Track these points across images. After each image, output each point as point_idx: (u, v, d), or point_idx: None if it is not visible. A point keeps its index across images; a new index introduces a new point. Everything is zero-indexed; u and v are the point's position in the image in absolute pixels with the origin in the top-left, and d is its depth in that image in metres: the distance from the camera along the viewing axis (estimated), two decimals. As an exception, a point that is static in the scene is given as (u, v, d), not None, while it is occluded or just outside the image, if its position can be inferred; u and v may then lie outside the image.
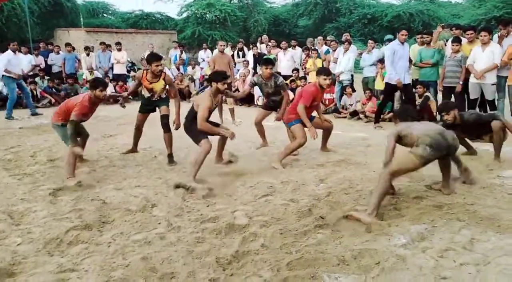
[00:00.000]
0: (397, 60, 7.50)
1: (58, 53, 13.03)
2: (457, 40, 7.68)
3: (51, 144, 6.83)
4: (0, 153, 6.33)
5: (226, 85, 5.03)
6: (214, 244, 3.23)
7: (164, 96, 5.96)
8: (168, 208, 4.00)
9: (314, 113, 5.90)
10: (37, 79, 12.02)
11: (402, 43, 7.56)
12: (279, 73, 10.76)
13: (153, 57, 5.77)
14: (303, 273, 2.76)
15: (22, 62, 10.27)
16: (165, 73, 5.95)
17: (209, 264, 2.90)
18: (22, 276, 2.84)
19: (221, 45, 9.68)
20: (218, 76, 5.00)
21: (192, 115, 4.98)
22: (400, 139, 4.00)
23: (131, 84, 12.97)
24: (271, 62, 6.16)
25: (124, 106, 6.16)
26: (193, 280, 2.72)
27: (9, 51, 9.93)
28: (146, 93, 5.94)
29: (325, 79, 5.57)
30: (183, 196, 4.35)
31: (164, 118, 5.74)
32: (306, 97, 5.53)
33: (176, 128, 5.58)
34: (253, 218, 3.70)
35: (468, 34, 7.65)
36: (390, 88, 7.76)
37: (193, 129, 4.92)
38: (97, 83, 5.19)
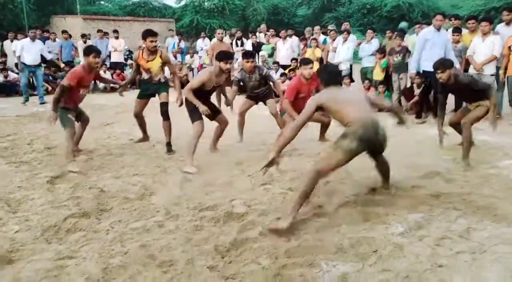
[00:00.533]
0: (430, 48, 7.07)
1: (54, 40, 12.92)
2: (457, 30, 7.65)
3: (48, 132, 6.79)
4: (-3, 141, 6.31)
5: (229, 65, 4.91)
6: (213, 232, 3.24)
7: (163, 80, 5.85)
8: (167, 196, 4.00)
9: None
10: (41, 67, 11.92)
11: (438, 29, 7.14)
12: (278, 62, 10.76)
13: (148, 33, 5.63)
14: (301, 261, 2.78)
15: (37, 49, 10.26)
16: (161, 51, 5.85)
17: (208, 252, 2.91)
18: (20, 263, 2.84)
19: (219, 33, 9.59)
20: (221, 55, 4.95)
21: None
22: (321, 109, 3.67)
23: (129, 72, 12.94)
24: (251, 55, 5.85)
25: (122, 95, 6.14)
26: (191, 268, 2.73)
27: (26, 39, 10.25)
28: (144, 75, 5.82)
29: (305, 68, 5.46)
30: (181, 184, 4.35)
31: (164, 106, 5.67)
32: (288, 92, 5.52)
33: (180, 105, 5.46)
34: (251, 207, 3.71)
35: (469, 24, 7.62)
36: (426, 76, 7.29)
37: (190, 107, 4.94)
38: (90, 50, 5.24)
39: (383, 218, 3.39)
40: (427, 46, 7.14)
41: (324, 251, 2.89)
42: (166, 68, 5.96)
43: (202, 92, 4.97)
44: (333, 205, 3.66)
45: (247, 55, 5.78)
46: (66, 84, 5.03)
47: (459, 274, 2.58)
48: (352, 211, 3.54)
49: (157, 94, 5.82)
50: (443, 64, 4.82)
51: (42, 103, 10.02)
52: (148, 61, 5.67)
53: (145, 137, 6.18)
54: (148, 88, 5.85)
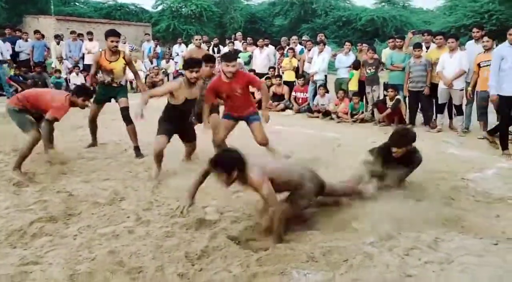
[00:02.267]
0: (508, 68, 5.75)
1: (26, 40, 12.59)
2: (418, 46, 7.90)
3: (16, 133, 6.58)
4: (-40, 141, 6.07)
5: (195, 74, 4.45)
6: (184, 238, 3.19)
7: (123, 83, 5.76)
8: (137, 202, 3.94)
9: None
10: (4, 66, 11.58)
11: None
12: (254, 70, 10.78)
13: (110, 32, 5.48)
14: (273, 269, 2.77)
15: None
16: (123, 52, 5.73)
17: (178, 259, 2.87)
18: (-19, 268, 2.74)
19: (197, 40, 9.48)
20: (186, 62, 4.60)
21: (165, 105, 4.71)
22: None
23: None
24: (210, 59, 5.31)
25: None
26: (161, 275, 2.69)
27: None
28: (106, 78, 5.62)
29: (226, 65, 4.70)
30: (153, 189, 4.29)
31: (124, 111, 5.55)
32: (206, 92, 4.89)
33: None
34: (224, 214, 3.69)
35: (437, 39, 7.85)
36: (504, 101, 5.84)
37: (160, 119, 4.69)
38: (82, 92, 4.90)
39: (354, 227, 3.41)
40: (504, 64, 5.82)
41: (296, 260, 2.89)
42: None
43: (174, 109, 4.62)
44: (306, 213, 3.67)
45: (206, 59, 5.24)
46: (52, 119, 4.70)
47: (428, 284, 2.63)
48: (324, 219, 3.57)
49: (115, 99, 5.69)
50: (404, 140, 4.02)
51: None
52: (110, 62, 5.52)
53: (94, 143, 6.03)
54: (107, 93, 5.70)
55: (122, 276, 2.67)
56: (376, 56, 8.72)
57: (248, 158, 3.15)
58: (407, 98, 8.37)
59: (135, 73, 5.92)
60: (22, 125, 4.79)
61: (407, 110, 8.31)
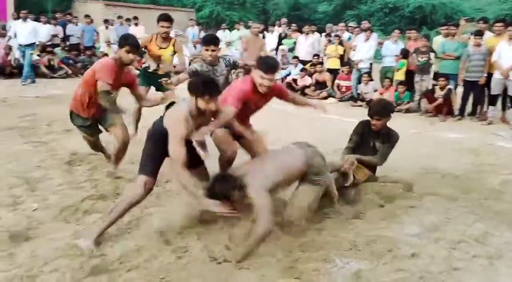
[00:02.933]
0: None
1: (76, 24, 12.99)
2: (479, 34, 7.53)
3: (67, 114, 6.85)
4: (16, 120, 6.38)
5: (213, 106, 2.93)
6: (228, 222, 3.23)
7: (170, 75, 5.20)
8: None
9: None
10: (56, 49, 12.04)
11: None
12: (298, 57, 10.69)
13: (162, 17, 5.14)
14: (315, 255, 2.77)
15: (31, 30, 10.25)
16: (175, 39, 5.35)
17: (222, 241, 2.91)
18: (38, 240, 2.89)
19: (255, 28, 8.79)
20: (198, 87, 2.90)
21: (159, 132, 2.96)
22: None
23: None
24: (211, 41, 4.14)
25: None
26: (205, 254, 2.75)
27: (19, 19, 10.34)
28: (152, 64, 5.24)
29: (262, 77, 3.25)
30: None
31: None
32: (235, 96, 3.30)
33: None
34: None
35: (497, 26, 7.49)
36: None
37: (146, 148, 3.08)
38: (123, 41, 3.80)
39: (399, 218, 3.36)
40: None
41: (339, 247, 2.88)
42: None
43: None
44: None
45: (206, 41, 4.21)
46: (102, 87, 3.67)
47: (475, 278, 2.56)
48: (368, 209, 3.53)
49: (156, 88, 5.26)
50: (385, 110, 3.91)
51: (24, 84, 10.08)
52: (160, 48, 5.19)
53: (134, 133, 5.24)
54: (149, 80, 5.29)
55: (168, 254, 2.76)
56: (428, 43, 8.42)
57: (246, 173, 2.95)
58: (457, 89, 8.07)
59: (182, 64, 5.35)
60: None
61: (457, 101, 8.01)
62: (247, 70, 4.79)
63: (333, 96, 9.83)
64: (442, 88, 7.79)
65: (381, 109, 3.91)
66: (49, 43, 12.23)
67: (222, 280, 2.51)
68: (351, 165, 3.71)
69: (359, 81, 9.45)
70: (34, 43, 10.33)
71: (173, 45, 5.24)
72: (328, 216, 3.38)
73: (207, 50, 4.09)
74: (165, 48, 5.20)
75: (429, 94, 8.05)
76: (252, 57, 7.72)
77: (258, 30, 8.74)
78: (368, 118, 3.93)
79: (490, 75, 7.36)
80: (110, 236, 2.95)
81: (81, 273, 2.52)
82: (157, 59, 5.22)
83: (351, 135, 4.06)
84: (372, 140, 3.97)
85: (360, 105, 9.05)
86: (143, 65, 5.41)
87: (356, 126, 4.06)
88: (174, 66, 5.64)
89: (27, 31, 10.08)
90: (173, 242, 2.89)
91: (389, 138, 3.94)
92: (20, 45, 10.18)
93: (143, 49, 5.16)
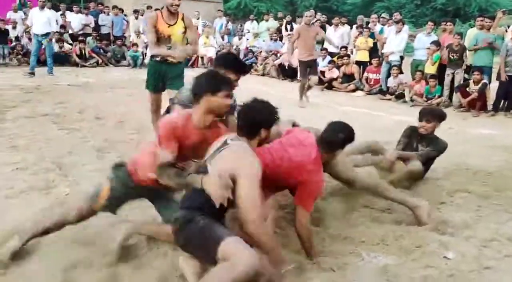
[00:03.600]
0: None
1: (108, 14, 13.19)
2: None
3: (98, 102, 7.02)
4: (49, 107, 6.56)
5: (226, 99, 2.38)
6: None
7: (183, 63, 4.44)
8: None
9: None
10: (88, 38, 12.28)
11: None
12: (326, 49, 10.57)
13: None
14: (342, 249, 2.75)
15: (45, 18, 9.72)
16: (182, 13, 4.37)
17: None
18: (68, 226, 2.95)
19: (307, 17, 7.68)
20: (270, 116, 2.36)
21: (208, 203, 2.10)
22: None
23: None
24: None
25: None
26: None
27: (35, 8, 9.93)
28: (160, 48, 4.26)
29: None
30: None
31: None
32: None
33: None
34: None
35: None
36: None
37: (202, 233, 2.07)
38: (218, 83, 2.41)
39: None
40: None
41: (367, 242, 2.85)
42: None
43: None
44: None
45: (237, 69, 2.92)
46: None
47: (507, 278, 2.50)
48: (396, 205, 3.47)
49: (164, 85, 4.40)
50: (434, 113, 3.97)
51: (50, 73, 9.92)
52: (169, 25, 4.24)
53: None
54: (159, 76, 4.37)
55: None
56: (462, 42, 8.20)
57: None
58: (491, 83, 7.84)
59: (195, 44, 4.55)
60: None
61: (491, 96, 7.79)
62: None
63: (361, 89, 9.70)
64: (476, 83, 7.56)
65: (432, 111, 4.01)
66: (81, 32, 12.48)
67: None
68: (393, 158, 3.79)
69: (388, 74, 9.29)
70: (49, 33, 9.84)
71: (183, 19, 4.30)
72: (356, 209, 3.36)
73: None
74: (173, 24, 4.25)
75: (462, 89, 7.84)
76: (306, 48, 7.55)
77: (310, 19, 7.66)
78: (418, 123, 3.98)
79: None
80: (142, 219, 2.99)
81: (108, 258, 2.54)
82: (167, 40, 4.27)
83: (400, 138, 4.13)
84: (417, 143, 3.99)
85: (389, 99, 8.91)
86: (148, 53, 4.71)
87: (405, 130, 4.13)
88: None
89: (43, 21, 9.58)
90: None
91: (435, 143, 3.95)
92: (36, 34, 9.72)
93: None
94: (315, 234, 2.90)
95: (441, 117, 3.97)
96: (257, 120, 2.31)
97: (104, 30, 13.00)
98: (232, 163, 2.14)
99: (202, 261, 2.15)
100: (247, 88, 3.88)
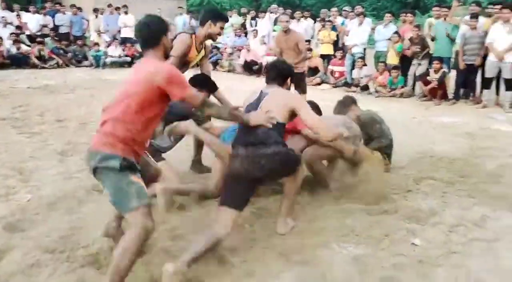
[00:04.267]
0: None
1: (64, 13, 12.76)
2: (474, 16, 7.48)
3: (59, 104, 6.81)
4: (7, 112, 6.31)
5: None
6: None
7: None
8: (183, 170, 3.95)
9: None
10: (46, 39, 11.87)
11: None
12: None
13: (223, 16, 3.76)
14: (312, 242, 2.75)
15: None
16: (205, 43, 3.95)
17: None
18: (32, 232, 2.85)
19: (283, 21, 6.15)
20: (291, 70, 3.13)
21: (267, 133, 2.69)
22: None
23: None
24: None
25: None
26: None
27: None
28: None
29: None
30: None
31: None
32: None
33: None
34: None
35: (492, 9, 7.45)
36: None
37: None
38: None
39: (396, 203, 3.35)
40: None
41: (337, 233, 2.86)
42: None
43: None
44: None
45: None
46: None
47: (473, 261, 2.55)
48: (364, 195, 3.51)
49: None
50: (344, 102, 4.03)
51: None
52: (198, 52, 3.81)
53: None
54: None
55: (166, 239, 2.73)
56: (420, 33, 8.38)
57: None
58: (450, 72, 8.06)
59: (209, 73, 3.97)
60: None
61: (451, 85, 8.02)
62: None
63: (327, 82, 9.78)
64: (436, 71, 7.77)
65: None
66: (39, 33, 12.08)
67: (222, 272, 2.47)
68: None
69: (353, 66, 9.40)
70: None
71: (205, 47, 3.92)
72: (324, 202, 3.37)
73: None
74: (199, 51, 3.85)
75: (424, 78, 8.03)
76: (289, 61, 4.87)
77: (287, 24, 6.15)
78: None
79: (484, 58, 7.33)
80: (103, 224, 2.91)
81: (74, 264, 2.47)
82: (186, 67, 3.83)
83: None
84: None
85: (354, 91, 9.02)
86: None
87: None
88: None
89: None
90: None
91: None
92: None
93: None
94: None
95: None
96: (285, 72, 2.98)
97: (62, 30, 12.59)
98: (285, 100, 2.77)
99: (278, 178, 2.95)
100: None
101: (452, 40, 7.87)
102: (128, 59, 12.16)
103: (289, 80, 3.04)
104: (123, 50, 12.21)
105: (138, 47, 12.69)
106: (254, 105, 2.82)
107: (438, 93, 7.76)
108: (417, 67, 8.32)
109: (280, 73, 2.97)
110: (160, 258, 2.49)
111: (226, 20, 3.75)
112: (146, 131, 2.26)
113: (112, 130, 2.16)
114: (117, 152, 2.12)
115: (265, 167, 2.61)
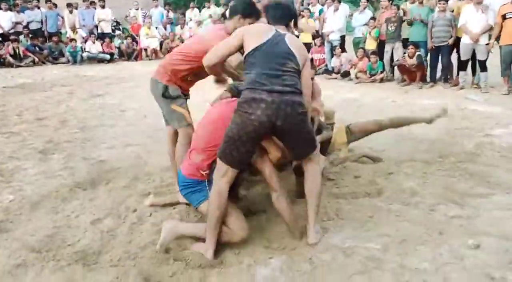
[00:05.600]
0: None
1: (33, 9, 12.42)
2: (443, -1, 7.59)
3: (37, 103, 6.69)
4: (-16, 112, 6.18)
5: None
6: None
7: None
8: (160, 165, 3.95)
9: None
10: (21, 37, 11.61)
11: None
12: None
13: (255, 12, 3.10)
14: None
15: None
16: None
17: (196, 220, 2.90)
18: (16, 232, 2.82)
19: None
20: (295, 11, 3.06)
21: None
22: None
23: (117, 43, 12.63)
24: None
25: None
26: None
27: None
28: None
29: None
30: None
31: None
32: None
33: None
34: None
35: None
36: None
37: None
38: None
39: (378, 185, 3.41)
40: None
41: (322, 217, 2.90)
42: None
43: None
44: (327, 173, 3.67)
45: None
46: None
47: (455, 238, 2.62)
48: (347, 178, 3.56)
49: None
50: None
51: None
52: None
53: None
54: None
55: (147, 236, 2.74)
56: (398, 12, 8.43)
57: None
58: (428, 56, 8.16)
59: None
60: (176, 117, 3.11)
61: (428, 67, 8.12)
62: None
63: (308, 70, 9.80)
64: (411, 56, 7.84)
65: None
66: (12, 31, 11.81)
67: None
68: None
69: (332, 54, 9.44)
70: None
71: None
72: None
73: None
74: None
75: (401, 66, 8.09)
76: None
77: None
78: None
79: (458, 41, 7.43)
80: (86, 223, 2.90)
81: (61, 262, 2.46)
82: None
83: None
84: None
85: (335, 78, 9.08)
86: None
87: None
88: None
89: None
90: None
91: None
92: None
93: None
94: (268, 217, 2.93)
95: None
96: (292, 12, 2.86)
97: (33, 26, 12.26)
98: (304, 51, 2.65)
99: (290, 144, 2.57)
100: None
101: (426, 24, 7.94)
102: (107, 56, 11.98)
103: (292, 23, 2.82)
104: (101, 45, 12.01)
105: (116, 43, 12.53)
106: (273, 44, 2.51)
107: (417, 75, 7.86)
108: (391, 53, 8.38)
109: (287, 13, 2.75)
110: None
111: (258, 17, 3.12)
112: None
113: None
114: None
115: (290, 116, 2.38)
